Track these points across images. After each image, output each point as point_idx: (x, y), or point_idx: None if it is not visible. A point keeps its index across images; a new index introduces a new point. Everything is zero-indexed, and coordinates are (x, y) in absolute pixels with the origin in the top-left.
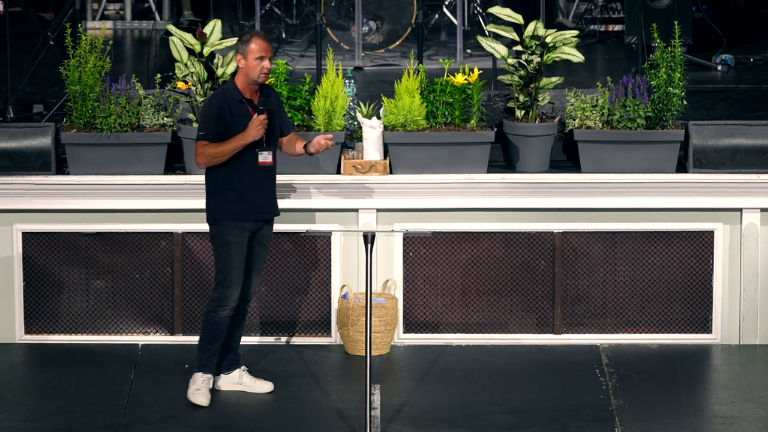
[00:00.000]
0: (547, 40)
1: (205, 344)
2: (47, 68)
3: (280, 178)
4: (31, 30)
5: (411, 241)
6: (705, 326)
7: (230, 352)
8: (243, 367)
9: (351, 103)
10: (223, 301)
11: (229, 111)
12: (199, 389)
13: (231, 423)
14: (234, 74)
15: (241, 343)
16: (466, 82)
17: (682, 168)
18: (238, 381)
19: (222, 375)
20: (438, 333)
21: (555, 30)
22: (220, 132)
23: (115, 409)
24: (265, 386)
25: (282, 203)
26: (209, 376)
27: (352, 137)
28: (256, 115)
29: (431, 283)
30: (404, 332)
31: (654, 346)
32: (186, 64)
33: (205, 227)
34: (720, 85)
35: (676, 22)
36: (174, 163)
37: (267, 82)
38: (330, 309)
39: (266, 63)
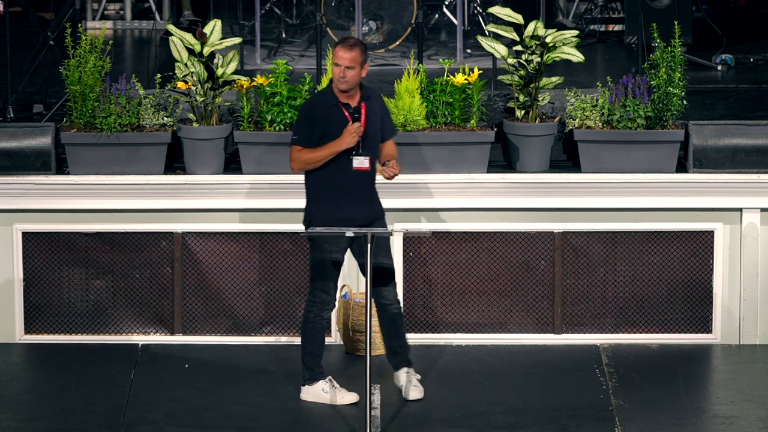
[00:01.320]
0: (547, 40)
1: (313, 350)
2: (47, 68)
3: (281, 178)
4: (31, 30)
5: (411, 240)
6: (705, 326)
7: (395, 355)
8: (405, 369)
9: None
10: (323, 305)
11: (323, 115)
12: (326, 392)
13: (231, 422)
14: (331, 80)
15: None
16: (466, 82)
17: (682, 168)
18: (398, 382)
19: (394, 372)
20: (438, 333)
21: (555, 30)
22: (313, 136)
23: (115, 408)
24: (414, 394)
25: (282, 203)
26: (327, 378)
27: None
28: (351, 122)
29: (431, 282)
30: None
31: (654, 346)
32: (186, 64)
33: (205, 227)
34: (720, 85)
35: (676, 22)
36: (174, 163)
37: (267, 82)
38: None
39: (340, 70)
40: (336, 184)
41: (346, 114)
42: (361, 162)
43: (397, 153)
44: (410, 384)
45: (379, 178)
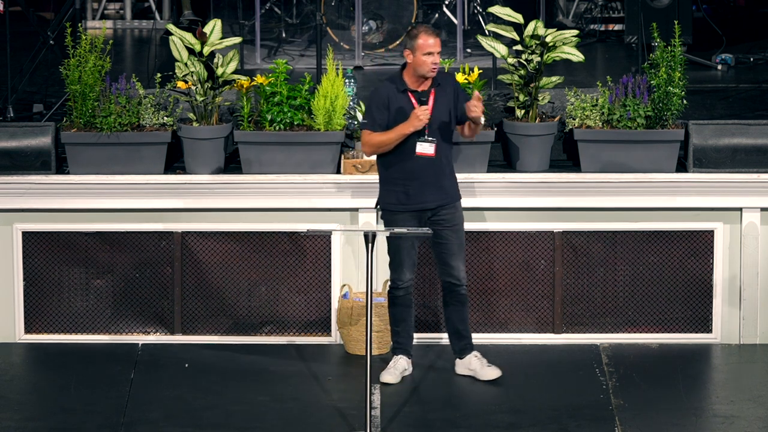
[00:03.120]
0: (547, 39)
1: (392, 326)
2: (47, 68)
3: (281, 178)
4: (31, 29)
5: None
6: (705, 326)
7: (460, 338)
8: (474, 353)
9: (351, 103)
10: (394, 283)
11: (392, 101)
12: (388, 368)
13: (231, 422)
14: (403, 66)
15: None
16: (466, 81)
17: (682, 167)
18: (468, 366)
19: (457, 359)
20: (438, 332)
21: (555, 29)
22: (384, 121)
23: (115, 408)
24: (492, 373)
25: (282, 203)
26: (399, 356)
27: (352, 137)
28: (417, 105)
29: (431, 282)
30: None
31: (654, 346)
32: (186, 64)
33: (205, 227)
34: (720, 85)
35: (676, 22)
36: (174, 163)
37: (267, 81)
38: (330, 308)
39: (434, 58)
40: (402, 168)
41: (413, 100)
42: (425, 148)
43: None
44: (484, 366)
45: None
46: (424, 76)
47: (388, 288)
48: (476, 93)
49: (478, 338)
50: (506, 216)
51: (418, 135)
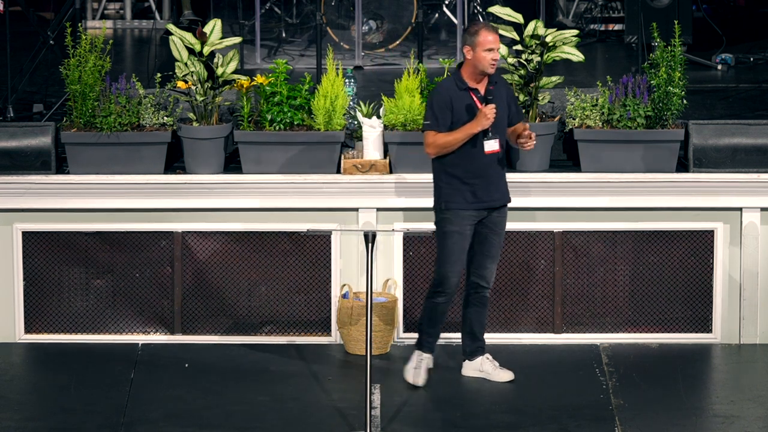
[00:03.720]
0: (547, 39)
1: (424, 326)
2: (47, 67)
3: (281, 178)
4: (31, 29)
5: (411, 240)
6: (705, 326)
7: (474, 340)
8: (486, 355)
9: (351, 103)
10: (438, 287)
11: (454, 100)
12: (415, 367)
13: (231, 422)
14: (460, 65)
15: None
16: None
17: (682, 167)
18: (480, 368)
19: (466, 361)
20: None
21: (555, 29)
22: (447, 121)
23: (115, 408)
24: (505, 375)
25: (282, 203)
26: (427, 355)
27: (352, 137)
28: (484, 105)
29: (429, 282)
30: (404, 332)
31: (654, 346)
32: (186, 64)
33: (205, 226)
34: (720, 85)
35: (676, 22)
36: (174, 163)
37: (267, 81)
38: (330, 308)
39: (495, 54)
40: (468, 167)
41: (475, 99)
42: (491, 145)
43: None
44: (496, 368)
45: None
46: (484, 73)
47: (429, 293)
48: (527, 128)
49: None
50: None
51: (482, 133)
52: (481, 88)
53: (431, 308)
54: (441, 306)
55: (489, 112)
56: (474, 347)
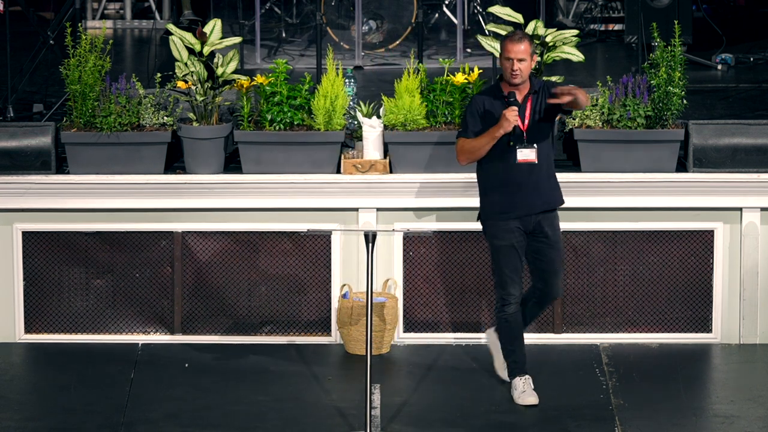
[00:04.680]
0: (547, 39)
1: (506, 346)
2: (47, 67)
3: (281, 178)
4: (31, 29)
5: (411, 240)
6: (705, 325)
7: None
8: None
9: (351, 103)
10: (503, 300)
11: (487, 108)
12: (524, 391)
13: (231, 422)
14: (501, 75)
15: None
16: (466, 81)
17: (682, 167)
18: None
19: (489, 330)
20: (438, 332)
21: (555, 29)
22: (476, 128)
23: (115, 408)
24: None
25: (282, 203)
26: (526, 376)
27: (352, 136)
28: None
29: (431, 282)
30: (404, 331)
31: (654, 346)
32: (186, 64)
33: (205, 226)
34: (720, 85)
35: (676, 22)
36: (174, 163)
37: (267, 81)
38: (330, 308)
39: (512, 64)
40: (503, 176)
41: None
42: (526, 154)
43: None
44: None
45: None
46: (509, 82)
47: (496, 309)
48: (557, 86)
49: (478, 338)
50: None
51: (518, 142)
52: (520, 96)
53: (503, 324)
54: (512, 317)
55: (509, 114)
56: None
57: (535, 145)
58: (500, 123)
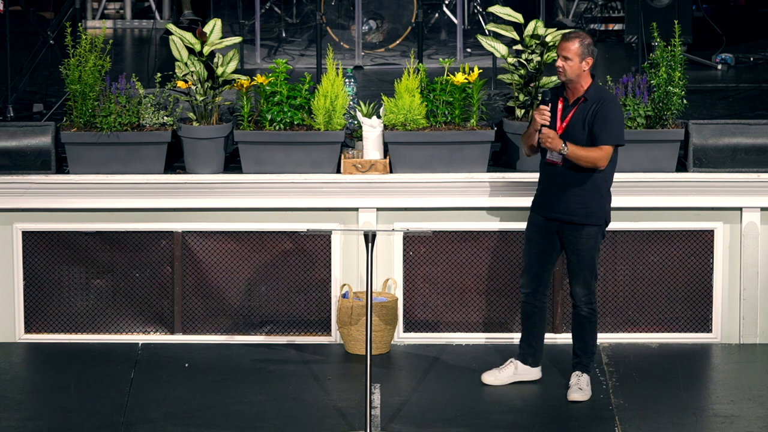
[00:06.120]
0: (547, 39)
1: (522, 332)
2: (47, 67)
3: (281, 178)
4: (31, 29)
5: (411, 240)
6: (705, 325)
7: (573, 354)
8: (577, 372)
9: (351, 102)
10: (522, 288)
11: (551, 103)
12: (492, 370)
13: (231, 422)
14: None
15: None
16: (466, 81)
17: (682, 167)
18: (570, 380)
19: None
20: (438, 332)
21: (555, 29)
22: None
23: (115, 408)
24: (578, 396)
25: (282, 202)
26: (510, 361)
27: (352, 136)
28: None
29: (431, 282)
30: (404, 331)
31: (654, 345)
32: (186, 63)
33: (205, 226)
34: (720, 84)
35: (676, 21)
36: (174, 163)
37: (267, 81)
38: (330, 308)
39: (558, 61)
40: (542, 173)
41: (560, 105)
42: (553, 156)
43: (585, 152)
44: (576, 386)
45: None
46: (558, 77)
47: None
48: (544, 130)
49: (478, 338)
50: (506, 215)
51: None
52: (571, 98)
53: (521, 310)
54: (523, 306)
55: (536, 112)
56: (573, 362)
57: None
58: (533, 120)
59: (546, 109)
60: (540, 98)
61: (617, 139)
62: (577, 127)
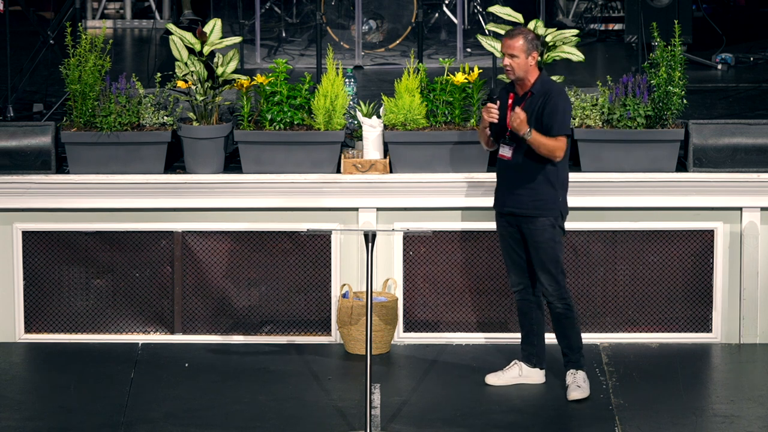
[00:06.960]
0: (547, 39)
1: (522, 333)
2: (47, 67)
3: (281, 177)
4: (31, 29)
5: (411, 239)
6: (705, 325)
7: (562, 353)
8: (571, 371)
9: (351, 102)
10: (512, 287)
11: (500, 99)
12: (497, 372)
13: (231, 422)
14: None
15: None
16: (466, 81)
17: (682, 167)
18: (566, 380)
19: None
20: (438, 332)
21: (555, 29)
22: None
23: (115, 408)
24: (576, 394)
25: (282, 202)
26: (514, 363)
27: (352, 136)
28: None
29: (431, 282)
30: (404, 331)
31: (654, 345)
32: (186, 63)
33: (205, 226)
34: (720, 84)
35: (676, 21)
36: (174, 162)
37: (267, 81)
38: (330, 308)
39: (505, 60)
40: (497, 169)
41: (510, 100)
42: (504, 151)
43: (546, 140)
44: (573, 384)
45: None
46: (507, 76)
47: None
48: (517, 109)
49: (478, 338)
50: None
51: (501, 137)
52: (520, 92)
53: (518, 310)
54: (520, 304)
55: (484, 110)
56: (564, 362)
57: (513, 143)
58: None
59: (494, 107)
60: (487, 97)
61: (566, 128)
62: (528, 120)
